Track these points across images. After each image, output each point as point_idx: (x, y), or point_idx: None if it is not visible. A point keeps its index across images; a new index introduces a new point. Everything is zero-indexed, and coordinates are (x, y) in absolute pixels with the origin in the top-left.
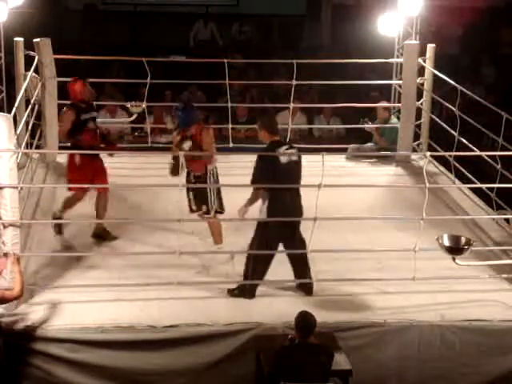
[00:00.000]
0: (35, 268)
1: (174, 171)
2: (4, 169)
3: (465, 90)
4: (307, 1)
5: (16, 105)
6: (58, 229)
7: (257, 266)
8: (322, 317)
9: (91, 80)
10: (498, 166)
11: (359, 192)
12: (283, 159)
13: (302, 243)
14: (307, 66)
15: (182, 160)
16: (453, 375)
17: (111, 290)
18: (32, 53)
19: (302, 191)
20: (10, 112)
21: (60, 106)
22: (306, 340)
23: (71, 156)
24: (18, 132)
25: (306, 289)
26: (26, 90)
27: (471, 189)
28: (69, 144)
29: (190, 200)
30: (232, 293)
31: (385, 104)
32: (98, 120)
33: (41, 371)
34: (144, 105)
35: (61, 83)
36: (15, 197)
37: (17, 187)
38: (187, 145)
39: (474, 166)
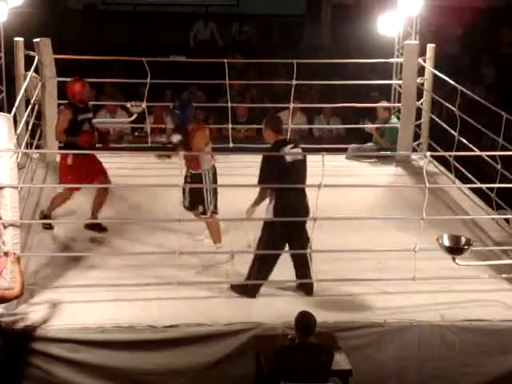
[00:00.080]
0: (35, 268)
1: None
2: (4, 169)
3: (465, 90)
4: (307, 1)
5: (16, 105)
6: (48, 224)
7: (262, 266)
8: (322, 317)
9: (91, 80)
10: (498, 166)
11: (359, 192)
12: (288, 158)
13: (307, 243)
14: (307, 65)
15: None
16: (453, 375)
17: (111, 290)
18: (32, 53)
19: None
20: (10, 112)
21: (60, 106)
22: (306, 340)
23: (63, 156)
24: (18, 132)
25: (306, 289)
26: (26, 90)
27: (471, 189)
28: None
29: (183, 197)
30: (234, 288)
31: (385, 104)
32: (99, 120)
33: (41, 371)
34: (144, 105)
35: (61, 83)
36: (15, 197)
37: (17, 187)
38: (176, 138)
39: (474, 166)
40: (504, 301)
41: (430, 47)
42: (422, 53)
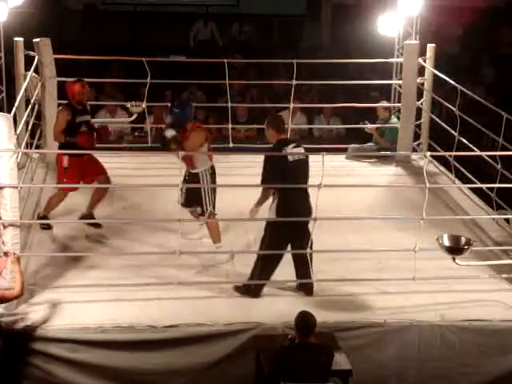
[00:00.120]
0: (35, 268)
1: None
2: (4, 169)
3: (465, 90)
4: (307, 1)
5: (16, 105)
6: (47, 225)
7: (265, 266)
8: (322, 317)
9: (91, 80)
10: (498, 166)
11: (359, 192)
12: (290, 157)
13: (309, 243)
14: (307, 65)
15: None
16: (453, 375)
17: (111, 290)
18: (32, 53)
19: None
20: (9, 112)
21: (59, 107)
22: (306, 340)
23: (60, 157)
24: (18, 132)
25: (306, 289)
26: (26, 90)
27: (471, 189)
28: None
29: (180, 193)
30: (238, 289)
31: (385, 104)
32: (98, 120)
33: (41, 371)
34: (144, 105)
35: (61, 83)
36: (15, 197)
37: (17, 187)
38: (170, 133)
39: (474, 166)
40: (504, 301)
41: (430, 47)
42: (422, 53)
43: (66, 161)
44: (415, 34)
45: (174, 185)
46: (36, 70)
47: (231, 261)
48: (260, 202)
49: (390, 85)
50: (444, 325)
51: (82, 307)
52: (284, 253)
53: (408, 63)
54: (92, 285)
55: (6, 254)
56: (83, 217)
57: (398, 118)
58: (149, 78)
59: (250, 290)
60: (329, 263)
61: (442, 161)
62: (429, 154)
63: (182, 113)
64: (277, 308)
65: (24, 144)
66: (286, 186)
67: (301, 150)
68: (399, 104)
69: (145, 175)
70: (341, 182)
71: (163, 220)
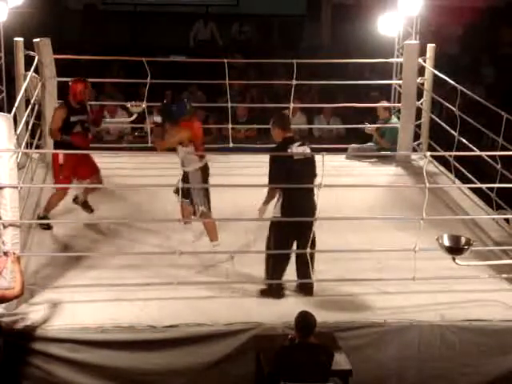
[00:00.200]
0: (35, 268)
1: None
2: (4, 169)
3: (465, 90)
4: (307, 1)
5: (16, 105)
6: (46, 225)
7: (276, 266)
8: (322, 317)
9: (91, 80)
10: (498, 166)
11: (359, 192)
12: (295, 155)
13: (313, 243)
14: (307, 65)
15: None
16: (453, 375)
17: (111, 290)
18: (32, 53)
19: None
20: (10, 112)
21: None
22: (306, 340)
23: (55, 155)
24: (18, 132)
25: (306, 289)
26: (25, 90)
27: (471, 189)
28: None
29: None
30: (262, 293)
31: (385, 104)
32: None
33: (41, 371)
34: (144, 105)
35: (61, 83)
36: (15, 197)
37: (17, 187)
38: (157, 119)
39: (474, 166)
40: (504, 301)
41: (430, 47)
42: (422, 53)
43: (61, 158)
44: (415, 33)
45: (174, 185)
46: (36, 70)
47: (231, 260)
48: (267, 201)
49: (389, 85)
50: (444, 325)
51: (81, 307)
52: (291, 251)
53: (408, 63)
54: (92, 285)
55: (6, 253)
56: (76, 197)
57: (398, 118)
58: (149, 78)
59: (273, 291)
60: (329, 263)
61: (442, 161)
62: (429, 153)
63: (178, 109)
64: (277, 308)
65: (24, 144)
66: (287, 185)
67: (306, 148)
68: (399, 104)
69: (145, 175)
70: (341, 182)
71: (163, 220)
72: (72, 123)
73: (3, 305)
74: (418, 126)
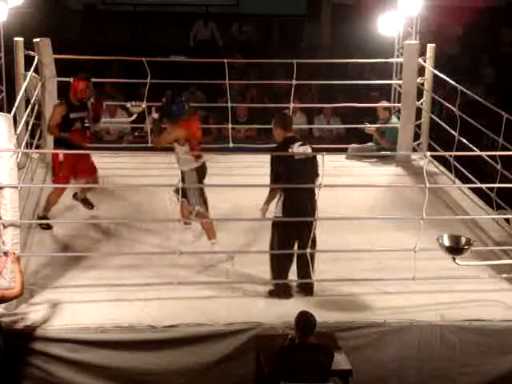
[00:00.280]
0: (35, 268)
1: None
2: (4, 169)
3: (465, 90)
4: (307, 1)
5: (16, 105)
6: (46, 225)
7: (280, 265)
8: (322, 317)
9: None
10: (498, 166)
11: (359, 192)
12: (297, 155)
13: (313, 243)
14: (307, 65)
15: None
16: (453, 375)
17: (111, 290)
18: (32, 53)
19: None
20: (9, 112)
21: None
22: (306, 340)
23: (56, 153)
24: (18, 132)
25: (306, 289)
26: (25, 90)
27: (471, 189)
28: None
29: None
30: (271, 293)
31: (385, 104)
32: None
33: (41, 371)
34: (144, 105)
35: (61, 83)
36: (15, 197)
37: (17, 187)
38: (155, 116)
39: (474, 166)
40: (504, 301)
41: (430, 47)
42: (422, 53)
43: (61, 155)
44: (415, 33)
45: (174, 185)
46: (36, 70)
47: (231, 260)
48: (269, 201)
49: (390, 85)
50: (444, 325)
51: (82, 307)
52: (294, 249)
53: (408, 63)
54: (92, 285)
55: (6, 253)
56: (75, 194)
57: (398, 118)
58: (149, 78)
59: (280, 292)
60: (329, 263)
61: (442, 161)
62: (429, 153)
63: (176, 110)
64: (277, 308)
65: (24, 144)
66: (286, 186)
67: (307, 148)
68: (399, 104)
69: (145, 175)
70: (341, 182)
71: (163, 220)
72: (71, 120)
73: (3, 305)
74: (418, 126)
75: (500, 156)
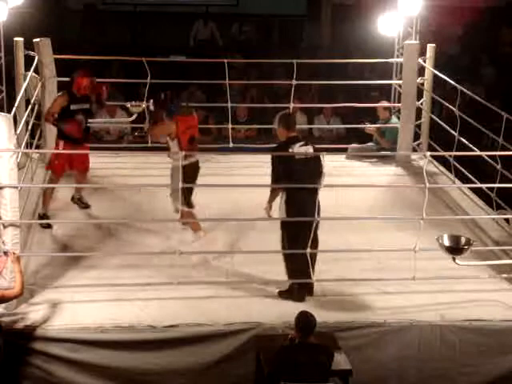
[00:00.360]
0: (35, 268)
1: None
2: (4, 169)
3: (465, 90)
4: (307, 1)
5: (16, 105)
6: (46, 224)
7: (294, 265)
8: (322, 317)
9: None
10: (498, 166)
11: (359, 192)
12: (298, 155)
13: (314, 243)
14: (307, 65)
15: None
16: (453, 375)
17: (111, 290)
18: (32, 53)
19: None
20: (9, 112)
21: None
22: (306, 340)
23: (57, 141)
24: (18, 132)
25: (306, 289)
26: (25, 90)
27: (471, 189)
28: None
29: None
30: (281, 294)
31: (385, 104)
32: (99, 120)
33: (41, 371)
34: (144, 105)
35: (61, 83)
36: (15, 197)
37: (17, 187)
38: (151, 107)
39: (474, 166)
40: (504, 301)
41: (430, 47)
42: (422, 53)
43: (61, 145)
44: (415, 33)
45: (174, 185)
46: (36, 70)
47: (231, 260)
48: (271, 200)
49: (390, 85)
50: (444, 325)
51: (81, 307)
52: (293, 251)
53: (408, 63)
54: (92, 285)
55: (6, 253)
56: (72, 197)
57: (398, 118)
58: (149, 78)
59: (293, 294)
60: (329, 263)
61: (442, 161)
62: (429, 153)
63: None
64: (277, 308)
65: (24, 144)
66: (286, 185)
67: (309, 148)
68: (399, 104)
69: (145, 175)
70: (341, 182)
71: (163, 220)
72: (72, 112)
73: (3, 305)
74: (418, 126)
75: (500, 156)
